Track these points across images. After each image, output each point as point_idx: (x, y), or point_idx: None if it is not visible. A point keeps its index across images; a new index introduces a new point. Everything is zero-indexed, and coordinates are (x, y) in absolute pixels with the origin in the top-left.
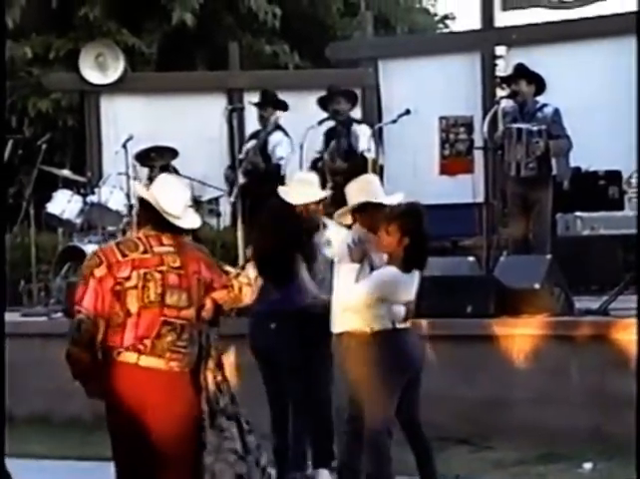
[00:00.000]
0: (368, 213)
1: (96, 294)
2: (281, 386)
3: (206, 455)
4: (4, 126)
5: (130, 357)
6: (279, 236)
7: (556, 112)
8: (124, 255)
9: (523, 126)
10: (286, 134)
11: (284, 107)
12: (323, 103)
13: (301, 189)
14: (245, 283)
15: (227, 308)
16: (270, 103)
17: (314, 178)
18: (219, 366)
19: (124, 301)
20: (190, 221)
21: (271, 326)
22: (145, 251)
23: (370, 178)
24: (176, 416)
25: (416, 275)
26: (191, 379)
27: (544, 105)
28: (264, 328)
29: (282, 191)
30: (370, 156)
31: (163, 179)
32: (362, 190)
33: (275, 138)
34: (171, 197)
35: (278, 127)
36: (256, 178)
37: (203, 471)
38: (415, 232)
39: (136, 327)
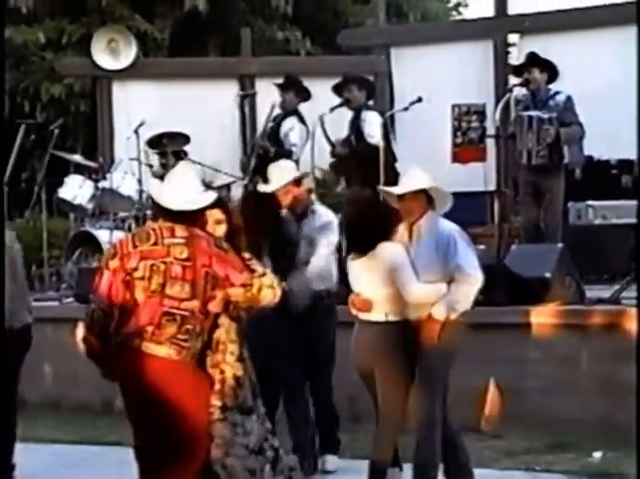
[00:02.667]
0: None
1: (110, 285)
2: (275, 374)
3: (215, 448)
4: (4, 123)
5: (134, 343)
6: (246, 226)
7: (569, 99)
8: (134, 247)
9: (534, 113)
10: (302, 120)
11: (307, 94)
12: (337, 90)
13: (273, 175)
14: (267, 285)
15: (245, 307)
16: (292, 87)
17: (288, 164)
18: (240, 360)
19: (132, 292)
20: (193, 201)
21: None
22: (155, 243)
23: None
24: (176, 403)
25: (358, 263)
26: (198, 370)
27: (557, 92)
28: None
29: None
30: (373, 141)
31: (173, 173)
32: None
33: (289, 123)
34: (173, 191)
35: (295, 112)
36: (266, 162)
37: (213, 464)
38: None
39: (138, 316)
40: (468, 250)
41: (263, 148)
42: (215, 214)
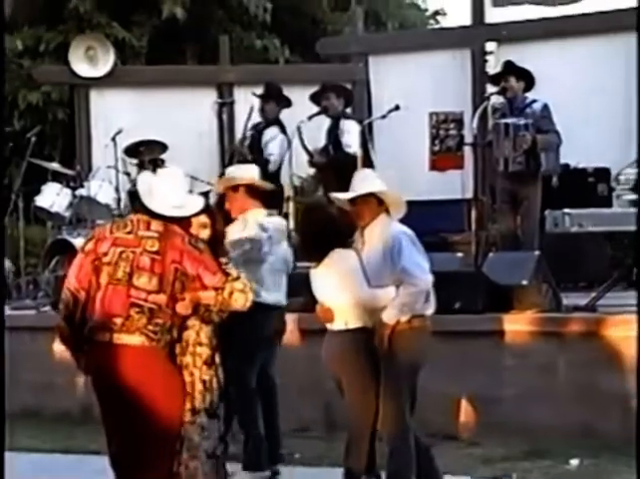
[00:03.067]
0: None
1: (79, 267)
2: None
3: (184, 451)
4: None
5: (104, 337)
6: None
7: (545, 107)
8: (110, 233)
9: (510, 120)
10: (283, 130)
11: (287, 102)
12: (315, 98)
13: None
14: (239, 289)
15: (217, 310)
16: (273, 96)
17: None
18: (209, 364)
19: (98, 276)
20: (178, 209)
21: None
22: (129, 232)
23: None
24: (154, 390)
25: (317, 272)
26: (171, 362)
27: (534, 101)
28: None
29: None
30: (351, 151)
31: (162, 174)
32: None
33: (270, 132)
34: (162, 196)
35: (276, 121)
36: None
37: (179, 464)
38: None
39: (103, 303)
40: (414, 253)
41: (241, 154)
42: (200, 217)
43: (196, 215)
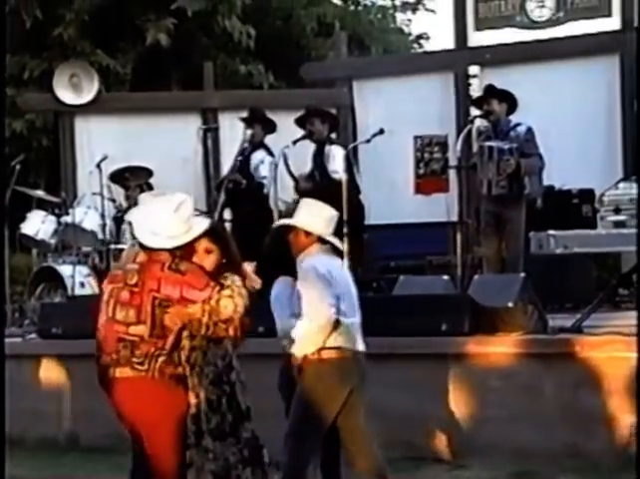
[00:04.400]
0: None
1: (97, 308)
2: None
3: (188, 475)
4: (4, 132)
5: (108, 372)
6: None
7: (529, 130)
8: (115, 270)
9: (494, 144)
10: (270, 153)
11: (272, 127)
12: (300, 122)
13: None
14: (226, 296)
15: (209, 322)
16: (257, 120)
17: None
18: (215, 384)
19: (100, 315)
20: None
21: None
22: (120, 268)
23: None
24: (145, 420)
25: None
26: (173, 390)
27: (518, 124)
28: None
29: None
30: (337, 177)
31: (147, 199)
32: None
33: (258, 156)
34: (141, 224)
35: (262, 145)
36: (237, 196)
37: None
38: None
39: (103, 341)
40: (316, 288)
41: (235, 181)
42: (203, 242)
43: (196, 240)
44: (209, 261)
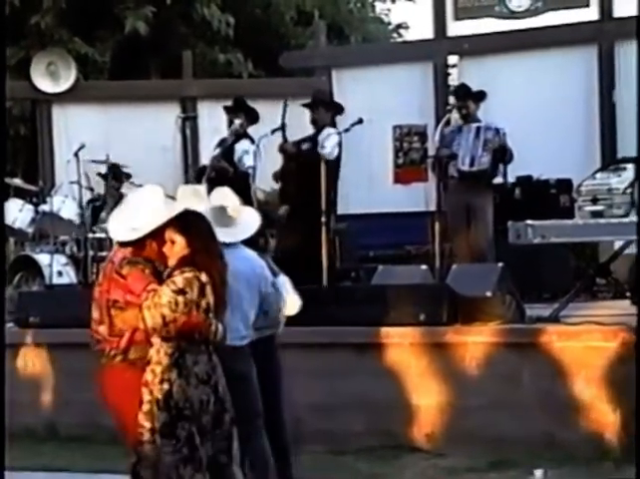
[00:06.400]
0: None
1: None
2: None
3: (143, 469)
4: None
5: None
6: None
7: (501, 132)
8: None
9: (483, 124)
10: (253, 142)
11: (255, 117)
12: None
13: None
14: (145, 307)
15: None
16: (241, 110)
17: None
18: (163, 382)
19: None
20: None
21: None
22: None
23: None
24: (116, 410)
25: None
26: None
27: (488, 126)
28: None
29: None
30: (324, 152)
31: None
32: None
33: (242, 146)
34: (118, 220)
35: (246, 135)
36: (220, 185)
37: None
38: None
39: None
40: None
41: (220, 169)
42: (169, 232)
43: (165, 227)
44: (172, 252)
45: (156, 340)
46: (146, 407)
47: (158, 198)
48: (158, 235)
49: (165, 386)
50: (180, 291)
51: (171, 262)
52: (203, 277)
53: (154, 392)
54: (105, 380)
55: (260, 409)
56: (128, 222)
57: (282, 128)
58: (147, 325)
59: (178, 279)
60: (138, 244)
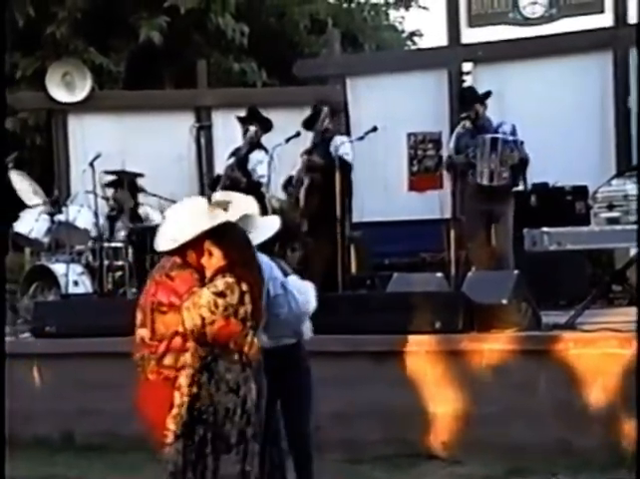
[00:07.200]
0: None
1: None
2: None
3: (169, 476)
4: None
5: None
6: None
7: (514, 129)
8: None
9: (500, 136)
10: (267, 152)
11: (269, 126)
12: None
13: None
14: (185, 308)
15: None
16: (255, 119)
17: None
18: (193, 384)
19: None
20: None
21: None
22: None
23: None
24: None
25: None
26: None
27: (501, 123)
28: None
29: None
30: (348, 158)
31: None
32: None
33: (256, 155)
34: (163, 230)
35: (260, 145)
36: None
37: None
38: None
39: None
40: None
41: (232, 179)
42: (207, 243)
43: (203, 239)
44: (210, 264)
45: (191, 344)
46: (175, 411)
47: (199, 209)
48: (197, 246)
49: (195, 389)
50: (220, 294)
51: (209, 274)
52: (244, 286)
53: (183, 396)
54: (142, 395)
55: (273, 424)
56: (169, 232)
57: (296, 136)
58: (185, 327)
59: (219, 282)
60: (179, 255)
